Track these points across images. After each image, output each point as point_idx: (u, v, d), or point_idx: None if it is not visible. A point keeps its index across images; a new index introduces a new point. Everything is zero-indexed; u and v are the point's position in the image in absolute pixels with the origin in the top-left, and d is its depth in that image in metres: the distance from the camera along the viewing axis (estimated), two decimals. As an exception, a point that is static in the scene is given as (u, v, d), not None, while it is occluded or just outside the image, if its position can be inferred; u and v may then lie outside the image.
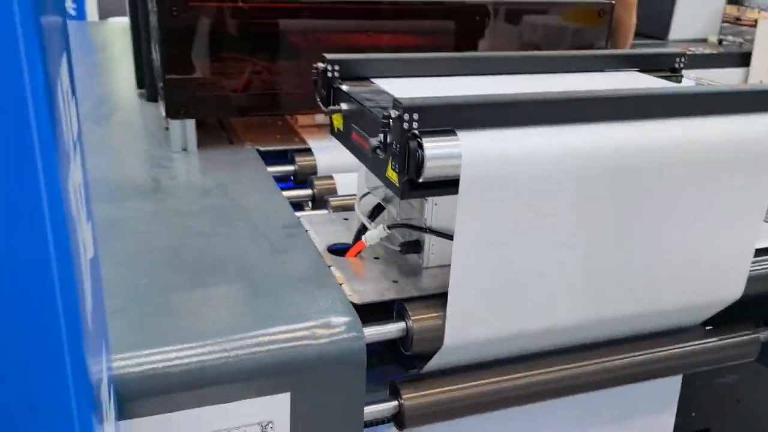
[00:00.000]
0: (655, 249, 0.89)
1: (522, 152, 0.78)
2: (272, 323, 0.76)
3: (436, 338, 0.84)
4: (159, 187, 1.13)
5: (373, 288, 0.87)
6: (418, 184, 0.77)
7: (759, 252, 1.01)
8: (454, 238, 0.78)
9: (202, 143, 1.31)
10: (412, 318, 0.84)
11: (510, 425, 1.03)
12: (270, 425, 0.76)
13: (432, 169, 0.74)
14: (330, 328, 0.77)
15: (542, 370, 0.95)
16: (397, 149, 0.76)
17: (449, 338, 0.83)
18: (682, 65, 1.18)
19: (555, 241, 0.83)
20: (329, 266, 0.91)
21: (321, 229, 1.02)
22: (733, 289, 0.98)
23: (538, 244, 0.82)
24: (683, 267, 0.92)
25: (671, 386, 1.12)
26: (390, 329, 0.84)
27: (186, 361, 0.71)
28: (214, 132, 1.41)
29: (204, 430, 0.73)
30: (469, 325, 0.84)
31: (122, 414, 0.67)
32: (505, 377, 0.93)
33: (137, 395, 0.68)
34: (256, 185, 1.15)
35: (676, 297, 0.95)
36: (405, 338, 0.85)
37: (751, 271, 0.98)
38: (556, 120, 0.80)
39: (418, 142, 0.74)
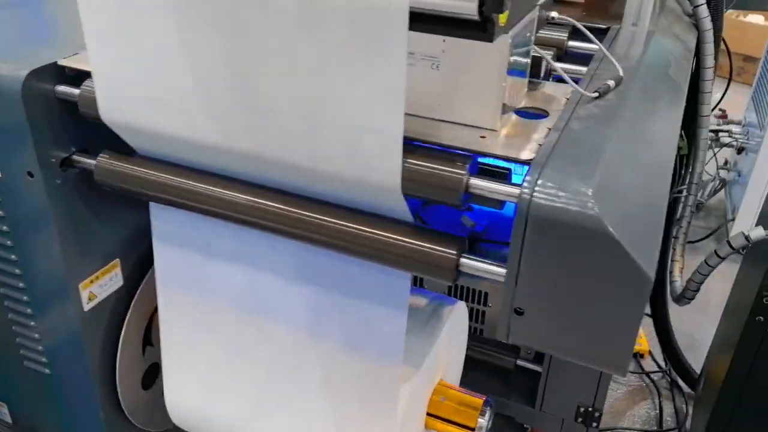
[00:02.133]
0: (269, 83, 0.84)
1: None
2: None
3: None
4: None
5: (80, 63, 1.05)
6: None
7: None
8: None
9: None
10: (82, 86, 1.02)
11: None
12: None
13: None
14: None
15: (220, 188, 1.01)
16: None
17: (101, 112, 0.99)
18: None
19: (160, 38, 0.88)
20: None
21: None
22: (382, 173, 0.83)
23: (146, 39, 0.89)
24: (305, 119, 0.85)
25: (398, 285, 1.00)
26: (65, 89, 1.04)
27: None
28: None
29: None
30: (112, 105, 0.98)
31: None
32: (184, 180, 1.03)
33: None
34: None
35: (311, 156, 0.88)
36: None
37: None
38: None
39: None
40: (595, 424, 1.75)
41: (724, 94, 2.04)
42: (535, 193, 0.76)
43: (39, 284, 1.21)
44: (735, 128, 3.01)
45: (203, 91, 0.90)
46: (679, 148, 1.78)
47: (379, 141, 0.81)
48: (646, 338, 2.33)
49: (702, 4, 1.49)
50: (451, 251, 0.89)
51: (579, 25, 1.06)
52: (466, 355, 1.90)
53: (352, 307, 1.07)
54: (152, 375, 1.43)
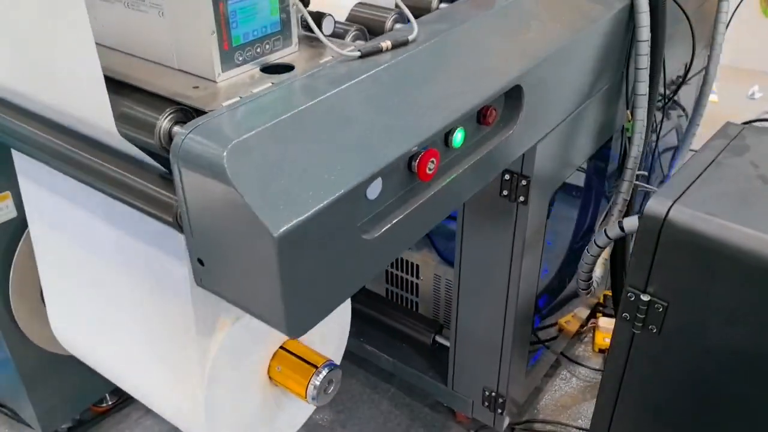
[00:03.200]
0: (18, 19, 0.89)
1: None
2: None
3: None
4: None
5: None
6: None
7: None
8: None
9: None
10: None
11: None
12: None
13: None
14: None
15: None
16: None
17: None
18: None
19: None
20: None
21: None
22: (94, 112, 0.84)
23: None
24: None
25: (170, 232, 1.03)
26: None
27: None
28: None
29: None
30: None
31: None
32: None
33: None
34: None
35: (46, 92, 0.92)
36: None
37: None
38: None
39: None
40: (500, 411, 1.69)
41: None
42: (186, 139, 0.76)
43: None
44: None
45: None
46: (626, 130, 1.64)
47: (81, 78, 0.83)
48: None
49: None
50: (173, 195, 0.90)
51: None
52: (388, 325, 1.89)
53: (141, 250, 1.11)
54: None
